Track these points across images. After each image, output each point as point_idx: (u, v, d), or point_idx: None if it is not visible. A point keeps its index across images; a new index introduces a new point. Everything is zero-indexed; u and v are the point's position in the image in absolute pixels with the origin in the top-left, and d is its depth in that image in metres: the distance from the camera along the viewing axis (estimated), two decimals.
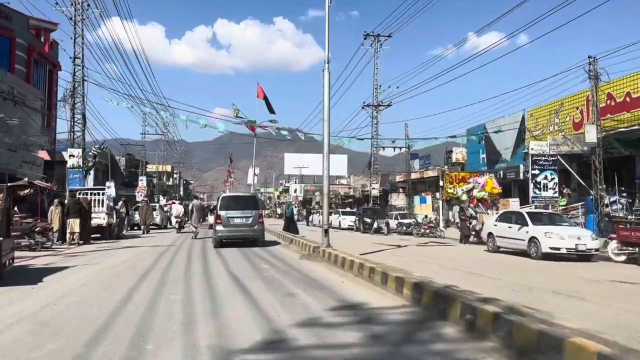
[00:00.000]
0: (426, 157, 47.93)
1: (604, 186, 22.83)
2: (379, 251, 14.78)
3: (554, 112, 29.93)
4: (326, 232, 11.95)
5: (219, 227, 16.55)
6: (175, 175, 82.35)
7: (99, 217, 19.92)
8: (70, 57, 25.82)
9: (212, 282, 8.38)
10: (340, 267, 9.61)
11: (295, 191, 72.36)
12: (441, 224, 29.87)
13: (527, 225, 15.20)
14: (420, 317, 5.46)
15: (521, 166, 31.31)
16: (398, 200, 44.98)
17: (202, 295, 7.04)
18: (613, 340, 3.55)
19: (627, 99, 23.62)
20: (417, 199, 39.63)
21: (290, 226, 25.45)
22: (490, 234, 17.08)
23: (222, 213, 16.65)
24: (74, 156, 24.89)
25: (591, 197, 23.49)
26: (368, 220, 30.05)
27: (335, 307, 6.08)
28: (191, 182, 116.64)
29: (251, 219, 16.69)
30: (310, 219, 44.15)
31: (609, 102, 24.67)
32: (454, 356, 4.14)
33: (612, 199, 22.10)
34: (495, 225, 16.94)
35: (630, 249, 13.65)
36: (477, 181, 23.98)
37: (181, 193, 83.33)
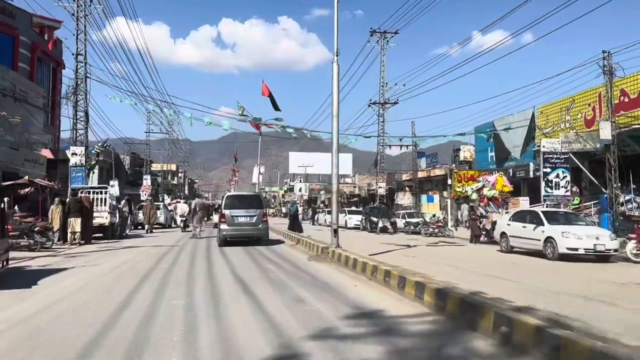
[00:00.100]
0: (433, 156, 47.33)
1: (619, 184, 22.23)
2: (388, 251, 14.30)
3: (565, 109, 29.32)
4: (335, 232, 11.42)
5: (224, 226, 16.55)
6: (180, 174, 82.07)
7: (101, 217, 19.50)
8: (73, 54, 25.43)
9: (216, 285, 7.90)
10: (351, 269, 9.09)
11: (300, 190, 72.00)
12: (449, 223, 29.30)
13: (542, 224, 14.65)
14: (446, 327, 4.93)
15: (531, 164, 30.70)
16: (404, 199, 44.43)
17: (205, 300, 6.55)
18: None
19: None
20: (424, 197, 39.11)
21: (295, 224, 25.40)
22: (503, 234, 16.53)
23: (227, 212, 16.68)
24: (76, 154, 24.52)
25: (605, 195, 22.88)
26: (375, 219, 29.55)
27: (350, 314, 5.57)
28: (196, 181, 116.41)
29: (255, 217, 16.70)
30: (315, 218, 43.69)
31: (622, 98, 24.07)
32: None
33: (627, 198, 21.49)
34: (508, 224, 16.38)
35: None
36: (487, 179, 23.35)
37: (186, 192, 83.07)
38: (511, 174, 30.77)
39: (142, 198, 41.82)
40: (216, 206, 37.64)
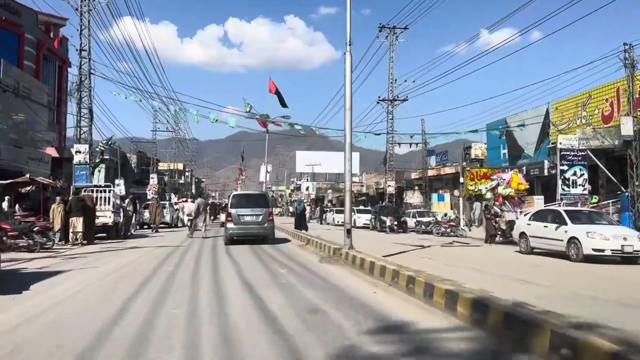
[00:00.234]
0: (443, 154, 46.50)
1: None
2: (402, 252, 13.62)
3: (581, 104, 28.48)
4: (349, 232, 10.71)
5: (230, 225, 16.67)
6: (187, 174, 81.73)
7: (105, 216, 18.95)
8: (77, 50, 24.90)
9: (222, 291, 7.23)
10: (368, 273, 8.37)
11: (307, 189, 71.35)
12: (462, 223, 28.49)
13: (565, 224, 13.89)
14: (489, 346, 4.24)
15: (546, 162, 29.88)
16: (413, 198, 43.65)
17: (210, 309, 5.89)
18: None
19: None
20: (434, 196, 38.30)
21: (301, 223, 25.04)
22: (522, 234, 15.79)
23: (233, 211, 16.73)
24: (80, 152, 24.01)
25: (627, 193, 22.04)
26: (385, 218, 28.88)
27: (374, 328, 4.88)
28: (203, 180, 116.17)
29: (261, 216, 16.77)
30: (324, 217, 43.04)
31: None
32: None
33: None
34: (528, 224, 15.63)
35: None
36: (502, 177, 22.52)
37: (193, 191, 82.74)
38: (525, 172, 29.92)
39: (149, 197, 41.42)
40: (223, 205, 37.20)
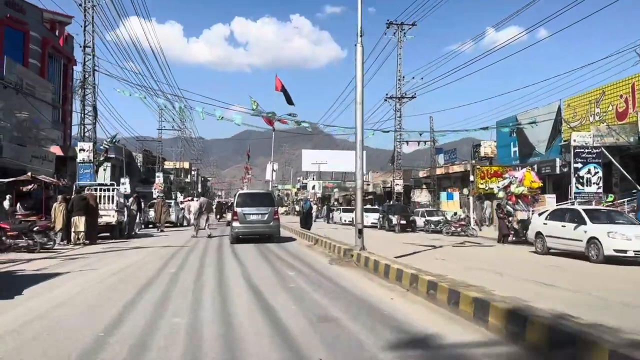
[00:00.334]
0: (451, 152, 45.88)
1: None
2: (414, 253, 13.11)
3: (594, 101, 27.80)
4: (360, 232, 10.18)
5: (236, 224, 16.76)
6: (193, 172, 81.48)
7: (108, 215, 18.54)
8: (81, 46, 24.54)
9: (228, 296, 6.74)
10: (383, 276, 7.83)
11: (313, 187, 70.85)
12: (472, 222, 27.89)
13: (584, 223, 13.31)
14: None
15: (557, 160, 29.24)
16: (421, 196, 43.05)
17: (214, 317, 5.40)
18: None
19: None
20: (443, 195, 37.70)
21: (307, 222, 24.73)
22: (538, 234, 15.22)
23: (239, 210, 16.78)
24: (84, 150, 23.64)
25: None
26: (392, 217, 28.36)
27: (395, 342, 4.36)
28: (209, 179, 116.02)
29: (267, 215, 16.84)
30: (330, 216, 42.54)
31: None
32: None
33: None
34: (545, 224, 15.06)
35: None
36: (514, 175, 21.86)
37: (199, 190, 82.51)
38: (536, 170, 29.32)
39: (154, 196, 41.13)
40: (229, 204, 36.84)
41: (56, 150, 28.33)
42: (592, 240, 12.77)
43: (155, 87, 67.44)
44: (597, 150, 22.94)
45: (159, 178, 48.77)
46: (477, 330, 4.72)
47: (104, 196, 18.93)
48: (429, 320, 5.13)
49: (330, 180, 74.99)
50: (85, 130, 24.25)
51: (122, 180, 37.46)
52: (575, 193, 23.28)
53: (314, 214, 38.95)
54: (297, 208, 65.01)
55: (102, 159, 25.64)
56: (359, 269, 9.21)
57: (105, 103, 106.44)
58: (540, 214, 16.83)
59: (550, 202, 25.01)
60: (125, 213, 20.11)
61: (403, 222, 27.67)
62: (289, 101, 29.65)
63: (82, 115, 24.43)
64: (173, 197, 43.92)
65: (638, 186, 22.94)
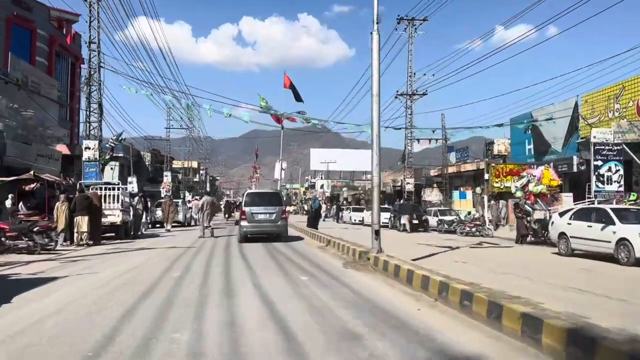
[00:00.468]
0: (463, 150, 44.97)
1: None
2: (432, 255, 12.41)
3: (614, 97, 26.87)
4: (377, 233, 9.48)
5: (244, 223, 16.91)
6: (201, 172, 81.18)
7: (113, 215, 18.01)
8: (86, 42, 24.06)
9: (234, 306, 6.07)
10: (405, 283, 7.10)
11: (321, 187, 70.21)
12: (487, 221, 27.07)
13: (613, 224, 12.52)
14: None
15: (574, 157, 28.34)
16: (432, 195, 42.26)
17: (219, 333, 4.75)
18: None
19: None
20: (455, 194, 36.91)
21: (315, 221, 24.36)
22: (562, 235, 14.45)
23: (247, 209, 16.91)
24: (89, 148, 23.15)
25: None
26: (404, 217, 27.64)
27: None
28: (217, 178, 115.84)
29: (275, 214, 16.95)
30: (340, 215, 41.89)
31: None
32: None
33: None
34: (569, 224, 14.27)
35: None
36: (532, 174, 21.01)
37: (207, 189, 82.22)
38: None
39: (162, 195, 40.75)
40: (237, 203, 36.36)
41: (63, 148, 27.95)
42: (622, 242, 12.00)
43: (162, 83, 67.00)
44: (618, 147, 22.07)
45: (167, 177, 48.41)
46: (528, 352, 4.01)
47: (109, 195, 18.40)
48: (468, 339, 4.43)
49: (338, 180, 74.36)
50: (91, 128, 23.75)
51: (129, 179, 37.04)
52: (595, 191, 22.45)
53: (322, 214, 38.40)
54: (306, 207, 64.41)
55: (107, 157, 25.11)
56: (376, 274, 8.51)
57: (113, 102, 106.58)
58: (561, 214, 16.03)
59: (567, 201, 24.11)
60: (131, 213, 19.57)
61: (415, 221, 26.98)
62: (298, 98, 29.10)
63: (88, 112, 23.95)
64: (182, 197, 43.42)
65: None
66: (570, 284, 7.61)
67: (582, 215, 14.21)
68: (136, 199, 21.28)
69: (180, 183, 60.34)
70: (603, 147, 22.32)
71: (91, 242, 15.43)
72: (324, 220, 36.30)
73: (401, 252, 10.96)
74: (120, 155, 39.45)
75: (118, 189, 18.92)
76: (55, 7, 31.92)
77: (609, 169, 22.26)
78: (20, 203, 16.19)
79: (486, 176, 29.38)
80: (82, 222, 15.17)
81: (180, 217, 29.01)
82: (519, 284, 7.22)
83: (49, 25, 30.30)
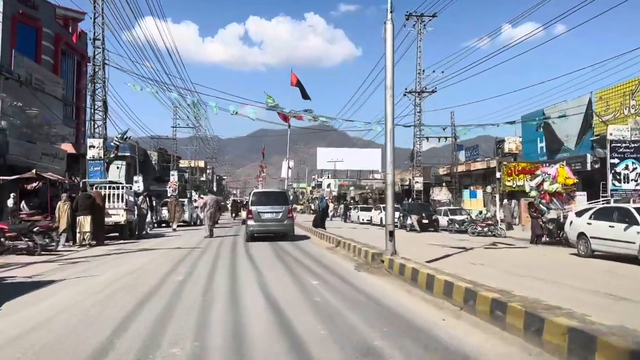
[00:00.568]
0: (473, 149, 44.25)
1: None
2: (446, 257, 11.89)
3: (629, 93, 26.15)
4: (391, 234, 8.93)
5: (250, 222, 17.02)
6: (208, 171, 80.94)
7: (118, 214, 17.60)
8: (90, 39, 23.66)
9: (241, 315, 5.53)
10: (424, 289, 6.53)
11: (328, 186, 69.73)
12: (498, 221, 26.46)
13: (637, 224, 11.95)
14: None
15: (588, 155, 27.64)
16: (440, 194, 41.65)
17: (223, 347, 4.25)
18: None
19: None
20: (466, 193, 36.27)
21: (322, 221, 23.93)
22: (581, 235, 13.88)
23: (253, 208, 17.02)
24: (94, 147, 22.77)
25: None
26: (414, 217, 27.07)
27: None
28: (224, 177, 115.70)
29: (281, 214, 17.09)
30: (348, 214, 41.38)
31: None
32: None
33: None
34: (589, 224, 13.70)
35: None
36: (547, 172, 20.39)
37: (214, 188, 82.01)
38: None
39: (168, 194, 40.51)
40: (244, 203, 36.04)
41: (68, 147, 27.64)
42: None
43: (167, 81, 66.69)
44: (635, 145, 21.44)
45: (174, 176, 48.17)
46: None
47: (113, 194, 18.00)
48: (507, 355, 3.91)
49: (345, 179, 73.86)
50: (95, 126, 23.37)
51: (135, 178, 36.75)
52: (611, 190, 21.82)
53: (330, 213, 37.90)
54: (313, 207, 63.95)
55: (112, 156, 24.73)
56: (391, 278, 7.98)
57: (119, 101, 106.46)
58: (578, 213, 15.44)
59: (580, 200, 23.51)
60: (136, 212, 19.17)
61: (425, 221, 26.44)
62: (305, 96, 28.62)
63: (92, 110, 23.56)
64: (188, 196, 43.11)
65: None
66: (600, 288, 7.07)
67: (603, 214, 13.62)
68: (140, 197, 20.88)
69: (187, 182, 60.07)
70: (620, 145, 21.71)
71: (94, 243, 15.04)
72: (331, 220, 35.81)
73: (413, 253, 10.45)
74: (127, 154, 39.20)
75: (122, 188, 18.53)
76: (61, 5, 31.71)
77: (626, 167, 21.67)
78: (23, 202, 15.81)
79: (498, 175, 28.77)
80: (85, 222, 14.76)
81: (186, 216, 28.64)
82: (543, 287, 6.70)
83: (55, 23, 30.03)
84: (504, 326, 4.53)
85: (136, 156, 41.29)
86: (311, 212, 61.87)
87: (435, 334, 4.58)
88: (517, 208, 27.75)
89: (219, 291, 7.08)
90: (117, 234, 17.88)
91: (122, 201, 17.96)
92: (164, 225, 27.30)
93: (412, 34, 36.89)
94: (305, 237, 19.09)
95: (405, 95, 37.76)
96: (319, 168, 78.72)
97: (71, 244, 15.01)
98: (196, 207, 31.39)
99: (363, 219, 36.19)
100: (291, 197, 28.52)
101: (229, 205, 54.89)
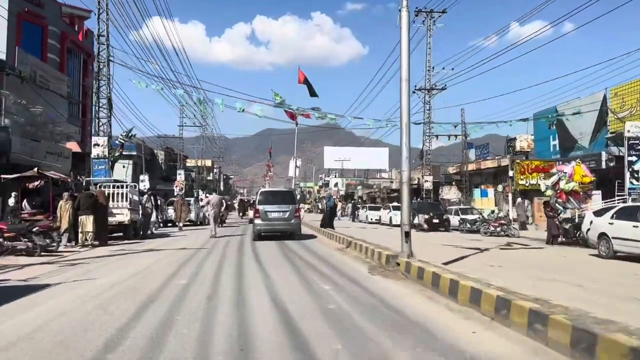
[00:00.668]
0: (483, 147, 43.54)
1: None
2: (462, 258, 11.40)
3: None
4: (407, 235, 8.37)
5: (258, 221, 17.08)
6: (215, 170, 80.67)
7: (121, 214, 17.18)
8: (95, 36, 23.27)
9: (248, 325, 5.00)
10: (448, 296, 5.97)
11: (336, 185, 69.18)
12: (511, 220, 25.80)
13: None
14: None
15: (603, 153, 26.99)
16: (450, 193, 41.02)
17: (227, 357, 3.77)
18: None
19: None
20: (477, 192, 35.61)
21: (330, 221, 23.45)
22: (602, 235, 13.29)
23: (260, 208, 17.08)
24: (98, 145, 22.37)
25: None
26: (423, 216, 26.47)
27: None
28: (231, 177, 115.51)
29: (288, 213, 17.15)
30: (356, 214, 40.83)
31: None
32: None
33: None
34: (610, 224, 13.09)
35: None
36: (563, 170, 19.73)
37: (221, 188, 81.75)
38: None
39: (175, 193, 40.24)
40: (251, 202, 35.69)
41: (73, 146, 27.34)
42: None
43: (174, 80, 66.33)
44: None
45: (181, 176, 47.88)
46: None
47: (117, 193, 17.57)
48: None
49: (352, 178, 73.29)
50: (100, 124, 22.98)
51: (141, 177, 36.45)
52: (629, 189, 21.19)
53: (338, 212, 37.37)
54: (320, 206, 63.44)
55: (117, 154, 24.35)
56: (408, 282, 7.43)
57: (126, 100, 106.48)
58: (597, 213, 14.83)
59: (595, 199, 22.85)
60: (140, 211, 18.74)
61: (436, 220, 25.86)
62: (313, 93, 28.13)
63: (97, 108, 23.18)
64: (195, 195, 42.78)
65: None
66: (631, 293, 6.52)
67: (626, 214, 13.01)
68: (145, 197, 20.45)
69: (193, 181, 59.81)
70: (638, 142, 21.09)
71: (97, 243, 14.62)
72: (339, 219, 35.29)
73: (428, 254, 9.95)
74: (134, 153, 38.91)
75: (126, 187, 18.11)
76: (66, 3, 31.45)
77: None
78: (25, 202, 15.44)
79: (511, 173, 28.13)
80: (87, 222, 14.34)
81: (192, 216, 28.26)
82: (569, 292, 6.21)
83: (61, 21, 29.81)
84: (546, 341, 3.99)
85: (142, 155, 41.01)
86: (318, 211, 61.33)
87: (467, 350, 4.03)
88: (530, 207, 27.10)
89: (225, 297, 6.53)
90: (121, 234, 17.48)
91: (127, 200, 17.52)
92: (169, 224, 26.94)
93: (420, 31, 36.29)
94: (313, 237, 18.88)
95: (414, 92, 37.14)
96: (326, 167, 78.22)
97: (73, 244, 14.59)
98: (202, 206, 31.05)
99: (372, 219, 35.62)
100: (298, 197, 28.06)
101: (235, 205, 54.56)
